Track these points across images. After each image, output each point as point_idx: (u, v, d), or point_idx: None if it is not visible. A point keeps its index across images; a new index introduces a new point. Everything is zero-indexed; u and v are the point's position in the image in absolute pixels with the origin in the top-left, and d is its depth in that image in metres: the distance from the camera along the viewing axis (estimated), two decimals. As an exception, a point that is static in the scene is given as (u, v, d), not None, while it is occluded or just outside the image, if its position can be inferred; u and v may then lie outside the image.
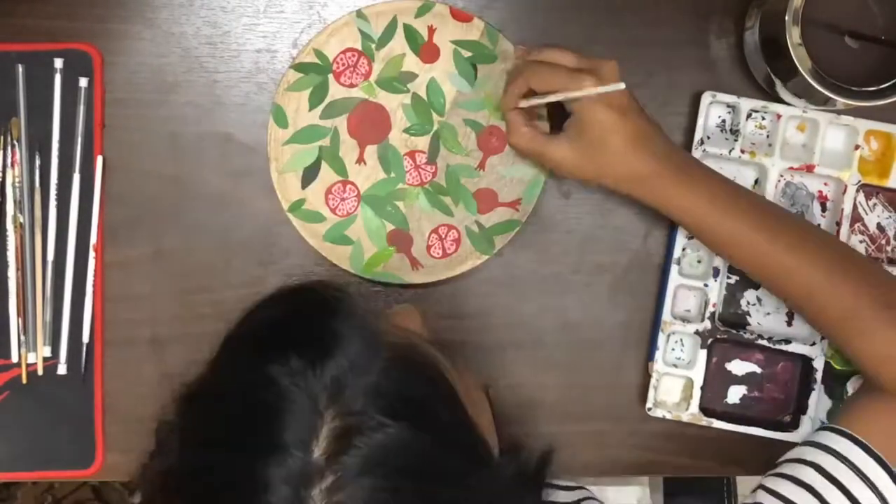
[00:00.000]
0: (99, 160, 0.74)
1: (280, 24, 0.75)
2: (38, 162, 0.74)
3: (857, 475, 0.60)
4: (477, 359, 0.75)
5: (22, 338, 0.74)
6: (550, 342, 0.76)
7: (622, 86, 0.63)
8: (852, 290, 0.65)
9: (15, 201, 0.74)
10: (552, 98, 0.66)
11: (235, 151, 0.75)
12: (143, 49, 0.75)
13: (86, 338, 0.74)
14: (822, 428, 0.64)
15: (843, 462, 0.60)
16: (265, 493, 0.42)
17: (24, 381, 0.74)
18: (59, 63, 0.73)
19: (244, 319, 0.51)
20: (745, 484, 0.95)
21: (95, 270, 0.74)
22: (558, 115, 0.69)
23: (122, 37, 0.75)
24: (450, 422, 0.48)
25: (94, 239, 0.74)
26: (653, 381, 0.74)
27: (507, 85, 0.70)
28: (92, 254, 0.74)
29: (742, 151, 0.74)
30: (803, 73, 0.66)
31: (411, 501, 0.44)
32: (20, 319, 0.74)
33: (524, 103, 0.68)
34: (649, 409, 0.74)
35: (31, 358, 0.74)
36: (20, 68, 0.73)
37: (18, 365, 0.74)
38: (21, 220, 0.74)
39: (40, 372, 0.74)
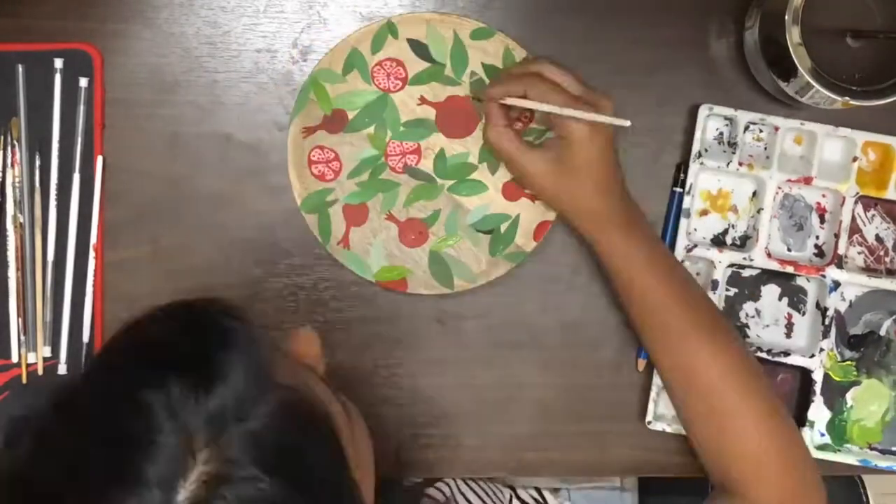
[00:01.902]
0: (99, 160, 0.74)
1: (280, 24, 0.75)
2: (38, 162, 0.74)
3: None
4: (477, 359, 0.76)
5: (22, 338, 0.74)
6: (550, 342, 0.76)
7: (628, 123, 0.65)
8: (741, 390, 0.66)
9: (15, 201, 0.74)
10: (555, 110, 0.65)
11: (235, 151, 0.75)
12: (143, 49, 0.75)
13: (86, 338, 0.74)
14: None
15: None
16: None
17: (24, 381, 0.74)
18: (59, 63, 0.73)
19: (127, 330, 0.45)
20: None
21: (95, 270, 0.74)
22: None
23: (122, 37, 0.75)
24: (330, 486, 0.43)
25: (94, 239, 0.74)
26: (652, 394, 0.74)
27: (502, 80, 0.69)
28: (92, 254, 0.74)
29: (740, 164, 0.74)
30: (803, 73, 0.66)
31: None
32: (20, 319, 0.74)
33: (520, 103, 0.68)
34: (649, 423, 0.74)
35: (31, 358, 0.74)
36: (20, 68, 0.73)
37: (18, 365, 0.74)
38: (21, 219, 0.74)
39: (40, 372, 0.74)
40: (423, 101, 0.75)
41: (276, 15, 0.75)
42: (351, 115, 0.75)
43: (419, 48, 0.74)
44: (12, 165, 0.73)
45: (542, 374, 0.76)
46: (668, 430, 0.74)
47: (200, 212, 0.75)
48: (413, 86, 0.75)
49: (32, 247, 0.74)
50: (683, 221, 0.74)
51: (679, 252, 0.74)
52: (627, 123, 0.65)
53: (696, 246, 0.74)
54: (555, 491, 0.87)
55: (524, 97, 0.67)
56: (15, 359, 0.74)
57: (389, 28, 0.74)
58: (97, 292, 0.74)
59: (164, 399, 0.40)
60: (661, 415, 0.75)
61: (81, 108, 0.74)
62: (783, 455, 0.65)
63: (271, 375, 0.43)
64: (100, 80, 0.74)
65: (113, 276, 0.75)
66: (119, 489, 0.38)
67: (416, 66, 0.75)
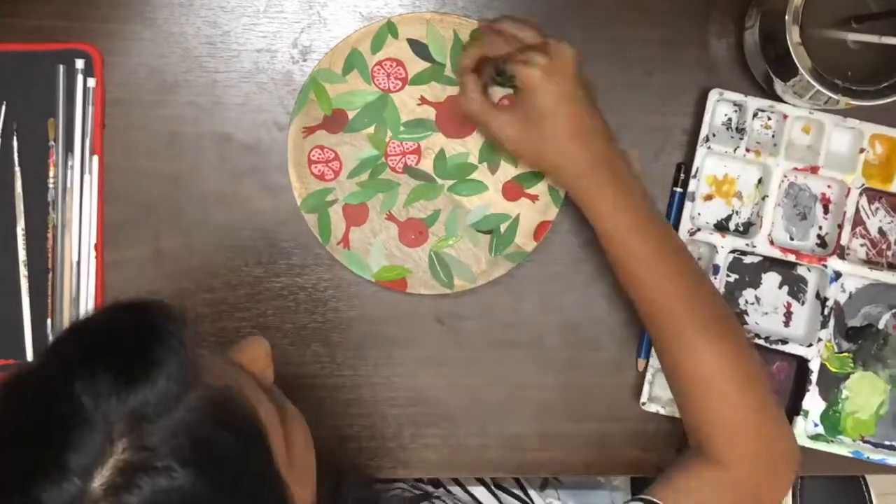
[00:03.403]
0: (96, 159, 0.74)
1: (280, 24, 0.75)
2: (70, 161, 0.74)
3: None
4: (477, 359, 0.76)
5: (51, 338, 0.73)
6: (550, 342, 0.76)
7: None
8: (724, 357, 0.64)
9: (52, 202, 0.74)
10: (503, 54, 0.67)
11: (235, 151, 0.75)
12: (143, 49, 0.75)
13: (86, 338, 0.74)
14: (634, 499, 0.61)
15: None
16: None
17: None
18: (80, 63, 0.74)
19: (73, 324, 0.48)
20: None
21: (96, 270, 0.74)
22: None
23: (122, 37, 0.75)
24: (250, 480, 0.44)
25: (94, 239, 0.74)
26: (648, 376, 0.74)
27: (467, 49, 0.71)
28: (92, 253, 0.74)
29: (747, 150, 0.74)
30: (803, 73, 0.66)
31: None
32: (50, 320, 0.74)
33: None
34: (643, 404, 0.74)
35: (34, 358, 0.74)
36: (60, 69, 0.73)
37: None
38: (55, 220, 0.74)
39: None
40: (423, 101, 0.75)
41: (276, 15, 0.75)
42: (351, 115, 0.75)
43: (419, 48, 0.74)
44: (49, 167, 0.74)
45: (542, 374, 0.76)
46: (663, 412, 0.74)
47: (200, 212, 0.75)
48: (413, 86, 0.75)
49: (62, 248, 0.74)
50: (688, 205, 0.74)
51: (682, 235, 0.74)
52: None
53: (699, 230, 0.74)
54: (543, 489, 0.87)
55: (486, 59, 0.68)
56: (30, 359, 0.74)
57: (389, 28, 0.74)
58: (97, 292, 0.74)
59: (91, 388, 0.41)
60: (655, 396, 0.75)
61: (85, 107, 0.74)
62: (758, 425, 0.64)
63: (198, 375, 0.45)
64: (100, 80, 0.74)
65: (113, 276, 0.75)
66: (39, 474, 0.40)
67: (416, 65, 0.75)
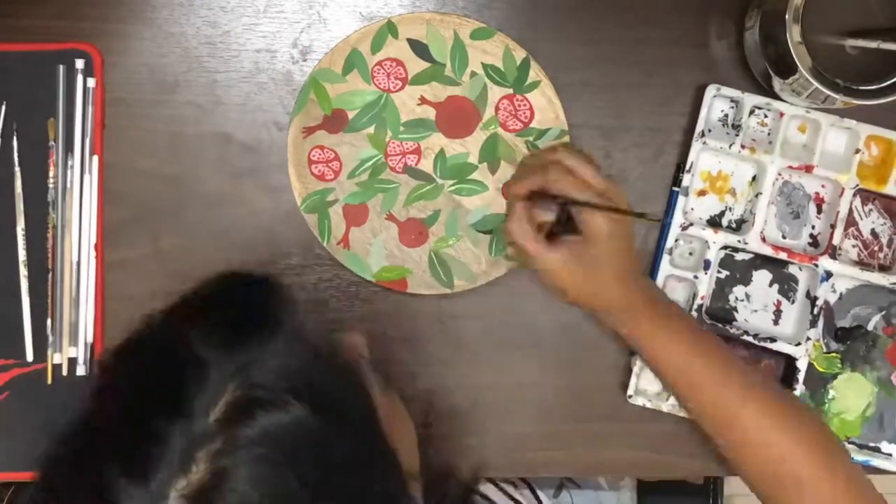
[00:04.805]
0: (96, 160, 0.74)
1: (280, 24, 0.75)
2: (70, 162, 0.74)
3: None
4: (477, 359, 0.76)
5: (51, 338, 0.74)
6: (550, 342, 0.76)
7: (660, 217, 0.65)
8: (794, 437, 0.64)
9: (52, 203, 0.74)
10: (579, 203, 0.64)
11: (235, 151, 0.75)
12: (143, 49, 0.75)
13: (89, 337, 0.74)
14: None
15: None
16: (156, 446, 0.43)
17: (50, 381, 0.74)
18: (60, 63, 0.73)
19: (191, 289, 0.53)
20: (732, 484, 0.95)
21: (96, 270, 0.74)
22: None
23: (122, 37, 0.75)
24: (357, 421, 0.48)
25: (94, 239, 0.74)
26: (635, 369, 0.74)
27: (522, 173, 0.68)
28: (92, 253, 0.74)
29: (742, 147, 0.74)
30: (803, 72, 0.66)
31: (296, 483, 0.44)
32: (50, 320, 0.74)
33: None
34: (630, 397, 0.74)
35: (33, 357, 0.74)
36: (61, 69, 0.73)
37: (20, 365, 0.74)
38: (55, 220, 0.74)
39: (65, 372, 0.74)
40: (423, 101, 0.75)
41: (276, 15, 0.75)
42: (351, 115, 0.75)
43: (419, 48, 0.74)
44: (49, 167, 0.74)
45: (542, 374, 0.76)
46: (649, 405, 0.74)
47: (200, 212, 0.75)
48: (413, 86, 0.75)
49: (62, 248, 0.74)
50: (681, 199, 0.74)
51: (675, 229, 0.74)
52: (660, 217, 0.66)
53: (691, 224, 0.74)
54: (552, 490, 0.87)
55: (545, 189, 0.66)
56: (30, 359, 0.74)
57: (389, 28, 0.74)
58: (97, 292, 0.74)
59: (206, 340, 0.46)
60: (642, 390, 0.75)
61: (85, 108, 0.74)
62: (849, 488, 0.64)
63: (310, 335, 0.49)
64: (100, 80, 0.74)
65: (113, 276, 0.75)
66: (160, 411, 0.44)
67: (416, 65, 0.75)
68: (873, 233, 0.76)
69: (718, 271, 0.75)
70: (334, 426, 0.46)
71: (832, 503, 0.62)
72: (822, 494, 0.63)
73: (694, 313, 0.74)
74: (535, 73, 0.74)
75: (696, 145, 0.73)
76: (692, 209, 0.75)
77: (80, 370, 0.74)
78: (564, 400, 0.76)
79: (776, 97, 0.73)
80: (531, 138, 0.74)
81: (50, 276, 0.74)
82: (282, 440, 0.44)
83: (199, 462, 0.42)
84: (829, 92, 0.66)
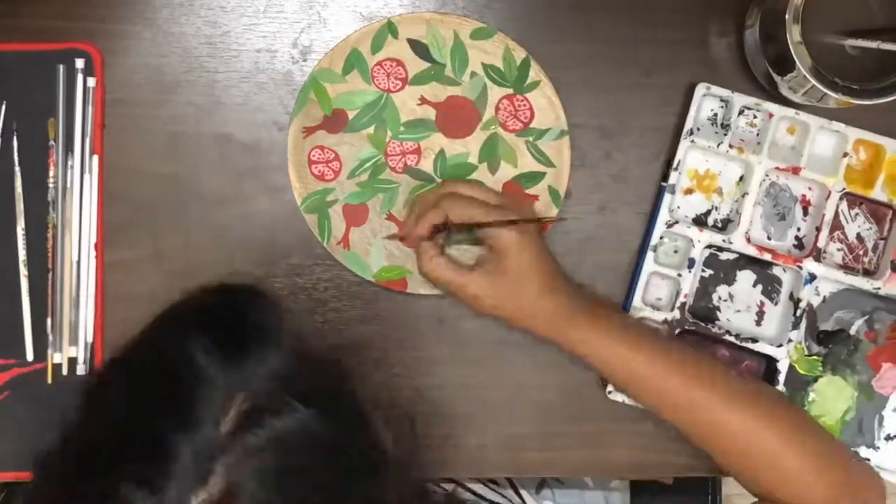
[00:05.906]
0: (96, 160, 0.74)
1: (280, 24, 0.75)
2: (70, 161, 0.74)
3: None
4: (477, 359, 0.76)
5: (51, 338, 0.74)
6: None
7: (555, 214, 0.66)
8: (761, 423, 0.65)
9: (52, 202, 0.74)
10: (482, 222, 0.66)
11: (235, 151, 0.75)
12: (143, 49, 0.75)
13: (89, 337, 0.74)
14: None
15: None
16: (169, 461, 0.44)
17: (50, 380, 0.74)
18: (60, 63, 0.73)
19: (181, 301, 0.53)
20: (731, 484, 0.95)
21: (96, 270, 0.74)
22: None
23: (122, 37, 0.75)
24: (358, 423, 0.50)
25: (94, 239, 0.74)
26: None
27: (420, 213, 0.69)
28: (92, 253, 0.74)
29: (730, 146, 0.74)
30: (804, 71, 0.66)
31: (308, 486, 0.45)
32: (50, 320, 0.74)
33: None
34: (609, 393, 0.74)
35: (33, 357, 0.74)
36: (60, 69, 0.73)
37: (20, 364, 0.74)
38: (55, 220, 0.74)
39: (65, 372, 0.74)
40: (423, 101, 0.75)
41: (276, 15, 0.75)
42: (351, 115, 0.75)
43: (419, 48, 0.74)
44: (49, 167, 0.74)
45: (542, 374, 0.76)
46: (628, 402, 0.74)
47: (200, 212, 0.75)
48: (413, 86, 0.75)
49: (62, 248, 0.74)
50: (667, 197, 0.74)
51: (660, 226, 0.73)
52: (555, 216, 0.66)
53: (676, 223, 0.74)
54: (537, 491, 0.87)
55: (446, 222, 0.68)
56: (30, 358, 0.74)
57: (389, 28, 0.74)
58: (97, 292, 0.74)
59: (205, 354, 0.47)
60: None
61: (86, 107, 0.74)
62: (816, 462, 0.65)
63: (305, 342, 0.51)
64: (100, 80, 0.74)
65: (113, 276, 0.75)
66: (171, 426, 0.44)
67: (416, 66, 0.75)
68: (859, 237, 0.76)
69: (703, 270, 0.75)
70: (339, 429, 0.48)
71: (798, 473, 0.64)
72: (789, 465, 0.64)
73: (677, 311, 0.74)
74: (535, 73, 0.74)
75: (683, 143, 0.73)
76: (678, 207, 0.75)
77: (81, 370, 0.74)
78: (564, 400, 0.76)
79: (776, 97, 0.73)
80: (531, 138, 0.74)
81: (50, 275, 0.74)
82: (293, 445, 0.45)
83: (217, 473, 0.43)
84: (829, 92, 0.66)
